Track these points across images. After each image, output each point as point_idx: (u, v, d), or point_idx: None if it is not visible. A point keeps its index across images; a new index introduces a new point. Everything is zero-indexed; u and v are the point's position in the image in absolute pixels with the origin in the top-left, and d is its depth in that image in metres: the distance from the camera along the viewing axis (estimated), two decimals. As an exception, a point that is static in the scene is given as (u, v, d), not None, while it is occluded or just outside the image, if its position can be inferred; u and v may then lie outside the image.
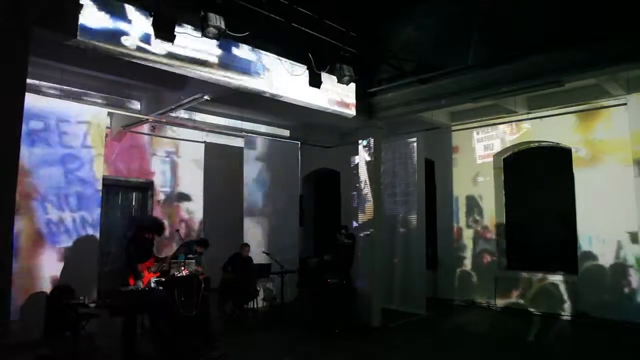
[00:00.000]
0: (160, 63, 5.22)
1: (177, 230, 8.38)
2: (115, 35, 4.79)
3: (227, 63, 5.81)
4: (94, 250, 7.09)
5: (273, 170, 9.72)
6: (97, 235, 7.16)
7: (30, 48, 4.01)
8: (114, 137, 9.08)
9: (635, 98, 7.01)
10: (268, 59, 6.27)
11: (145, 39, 4.98)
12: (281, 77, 6.41)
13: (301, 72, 6.36)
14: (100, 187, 7.12)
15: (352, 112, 7.53)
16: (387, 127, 8.73)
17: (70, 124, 6.86)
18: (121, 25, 4.83)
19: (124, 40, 4.85)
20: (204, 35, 4.91)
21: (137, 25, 4.94)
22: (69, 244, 6.76)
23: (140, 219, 8.66)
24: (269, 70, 6.27)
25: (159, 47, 5.10)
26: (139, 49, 4.99)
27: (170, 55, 5.24)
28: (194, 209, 10.39)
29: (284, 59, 6.38)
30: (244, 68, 6.01)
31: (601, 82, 7.21)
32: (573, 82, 6.94)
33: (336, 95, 7.19)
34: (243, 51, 6.02)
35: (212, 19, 4.75)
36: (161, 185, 9.94)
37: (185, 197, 10.30)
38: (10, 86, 3.88)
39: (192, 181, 10.31)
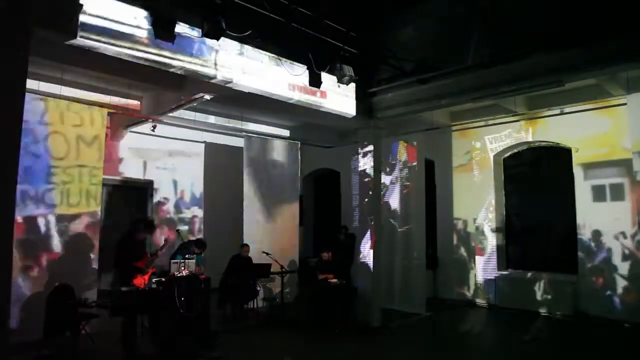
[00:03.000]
0: (160, 63, 5.22)
1: (177, 230, 8.38)
2: (115, 35, 4.79)
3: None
4: (93, 249, 7.09)
5: (273, 170, 9.72)
6: (97, 234, 7.17)
7: (30, 48, 4.01)
8: (114, 136, 9.09)
9: (636, 98, 7.00)
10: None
11: (145, 39, 4.98)
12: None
13: (301, 72, 6.36)
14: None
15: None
16: (387, 127, 8.73)
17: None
18: (121, 25, 4.83)
19: (124, 40, 4.85)
20: (204, 35, 4.91)
21: (137, 25, 4.93)
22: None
23: (132, 219, 8.67)
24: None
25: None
26: (139, 48, 4.99)
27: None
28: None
29: (284, 59, 6.37)
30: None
31: (601, 82, 7.21)
32: (573, 82, 6.94)
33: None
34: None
35: (211, 18, 4.76)
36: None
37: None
38: (10, 86, 3.88)
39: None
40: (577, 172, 8.55)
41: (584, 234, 8.35)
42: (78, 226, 7.01)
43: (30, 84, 5.50)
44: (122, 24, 4.86)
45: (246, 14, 5.36)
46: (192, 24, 5.21)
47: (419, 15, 7.33)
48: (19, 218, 6.40)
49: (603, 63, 5.74)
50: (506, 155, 9.96)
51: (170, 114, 8.48)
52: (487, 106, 8.66)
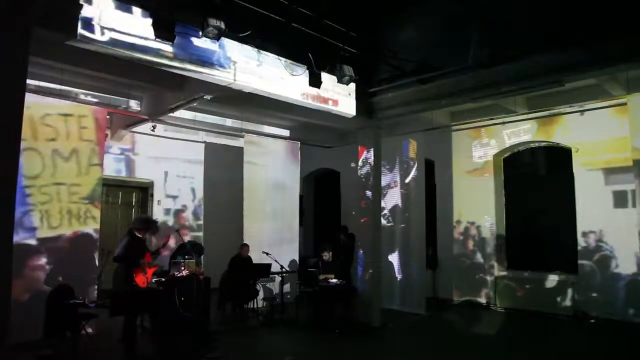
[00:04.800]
0: (160, 63, 5.23)
1: (177, 230, 8.37)
2: (114, 35, 4.79)
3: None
4: (93, 249, 7.09)
5: (273, 170, 9.71)
6: (98, 233, 7.17)
7: (30, 48, 4.01)
8: (114, 137, 9.10)
9: (636, 98, 6.99)
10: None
11: (145, 38, 4.98)
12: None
13: (301, 72, 6.36)
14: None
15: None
16: (387, 127, 8.73)
17: None
18: (121, 25, 4.83)
19: (123, 40, 4.85)
20: (204, 35, 4.91)
21: (137, 25, 4.94)
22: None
23: (134, 218, 8.68)
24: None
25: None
26: (139, 48, 4.99)
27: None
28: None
29: (283, 59, 6.37)
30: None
31: (601, 82, 7.20)
32: (573, 82, 6.94)
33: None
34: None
35: (211, 19, 4.76)
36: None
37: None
38: (10, 86, 3.88)
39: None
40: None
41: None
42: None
43: (31, 84, 5.50)
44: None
45: (246, 14, 5.36)
46: (192, 24, 5.21)
47: (419, 15, 7.33)
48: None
49: (603, 63, 5.74)
50: (506, 155, 9.95)
51: (170, 114, 8.48)
52: (487, 106, 8.65)
